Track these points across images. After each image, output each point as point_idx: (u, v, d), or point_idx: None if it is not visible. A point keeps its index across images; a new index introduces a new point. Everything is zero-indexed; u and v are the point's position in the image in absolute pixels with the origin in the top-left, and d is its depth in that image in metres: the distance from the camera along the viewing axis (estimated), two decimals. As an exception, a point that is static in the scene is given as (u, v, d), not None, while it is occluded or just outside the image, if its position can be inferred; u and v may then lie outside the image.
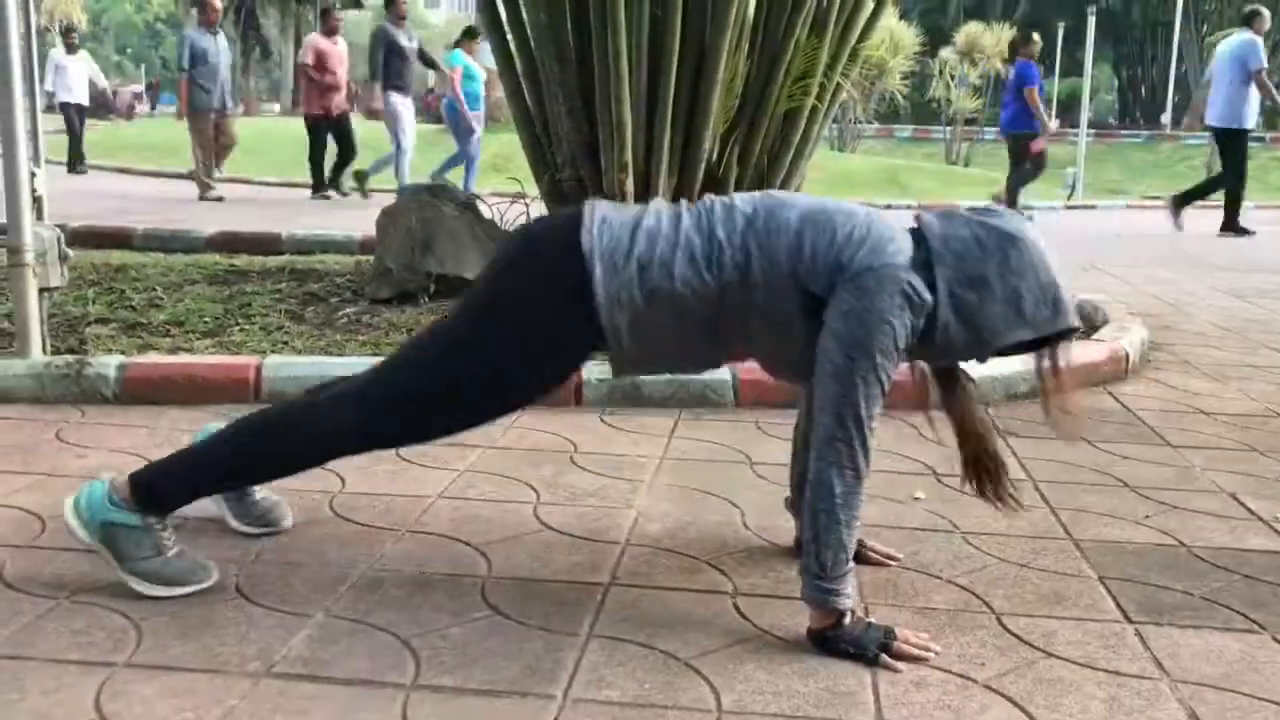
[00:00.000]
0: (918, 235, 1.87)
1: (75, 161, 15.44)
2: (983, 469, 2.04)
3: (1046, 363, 1.96)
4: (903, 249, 1.81)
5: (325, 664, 1.71)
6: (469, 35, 11.83)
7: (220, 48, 11.09)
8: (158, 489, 1.96)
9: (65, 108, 15.18)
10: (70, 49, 15.59)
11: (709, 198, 1.96)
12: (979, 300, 1.80)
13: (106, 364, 3.27)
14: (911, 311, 1.78)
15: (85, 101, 15.54)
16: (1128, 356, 4.04)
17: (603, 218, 1.90)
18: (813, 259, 1.80)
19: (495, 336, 1.90)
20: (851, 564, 1.82)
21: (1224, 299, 6.15)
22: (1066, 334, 1.91)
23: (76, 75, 15.23)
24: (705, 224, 1.87)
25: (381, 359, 2.05)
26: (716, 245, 1.84)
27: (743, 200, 1.91)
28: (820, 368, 1.79)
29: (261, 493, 2.29)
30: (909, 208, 14.69)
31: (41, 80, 14.86)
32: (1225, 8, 34.57)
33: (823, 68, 4.75)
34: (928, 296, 1.79)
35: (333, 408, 1.98)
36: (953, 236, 1.83)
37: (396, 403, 1.94)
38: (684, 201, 1.97)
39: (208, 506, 2.24)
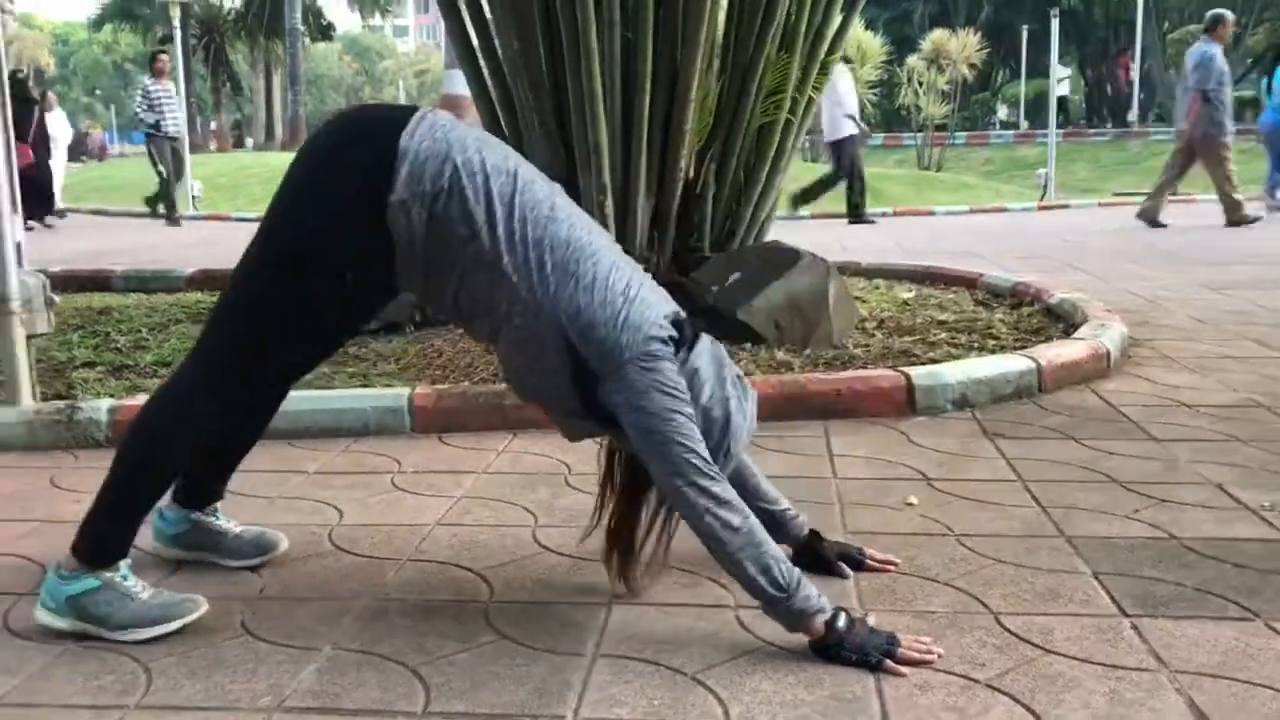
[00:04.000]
0: (680, 324, 1.96)
1: None
2: (620, 543, 2.10)
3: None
4: (663, 314, 1.93)
5: (336, 696, 1.72)
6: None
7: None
8: (95, 541, 1.98)
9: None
10: None
11: (552, 192, 1.98)
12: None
13: (98, 407, 3.28)
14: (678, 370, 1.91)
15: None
16: (1109, 353, 4.09)
17: (431, 126, 1.91)
18: (589, 327, 1.87)
19: (294, 221, 1.94)
20: (794, 571, 1.85)
21: (1200, 292, 6.22)
22: None
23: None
24: (521, 203, 1.90)
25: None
26: (514, 229, 1.88)
27: (565, 220, 1.94)
28: (641, 440, 1.88)
29: (240, 526, 2.31)
30: (884, 214, 14.79)
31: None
32: (1187, 4, 34.90)
33: (794, 82, 4.82)
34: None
35: (179, 375, 2.04)
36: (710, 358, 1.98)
37: (228, 333, 1.99)
38: (539, 175, 2.00)
39: (180, 554, 2.28)
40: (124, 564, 2.00)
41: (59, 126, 15.46)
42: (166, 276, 6.81)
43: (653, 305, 1.93)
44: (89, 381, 3.85)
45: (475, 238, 1.87)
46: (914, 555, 2.30)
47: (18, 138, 13.75)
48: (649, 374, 1.86)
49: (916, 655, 1.80)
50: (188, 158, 15.97)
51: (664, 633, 1.94)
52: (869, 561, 2.22)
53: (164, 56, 14.76)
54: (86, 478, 2.92)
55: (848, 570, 2.18)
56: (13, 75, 14.92)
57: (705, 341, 2.00)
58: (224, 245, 10.20)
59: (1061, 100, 28.56)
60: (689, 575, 2.19)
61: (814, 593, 1.84)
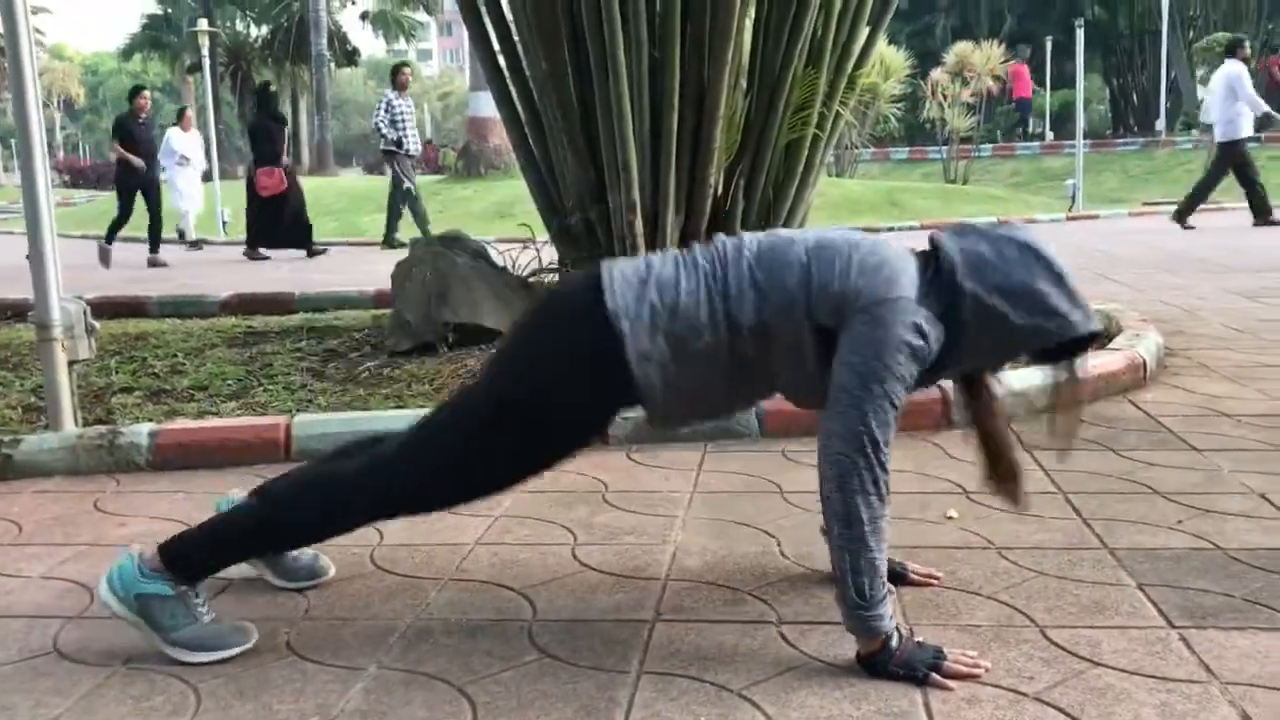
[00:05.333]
0: (930, 255, 1.90)
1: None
2: (1003, 473, 2.08)
3: (1065, 374, 1.97)
4: (913, 277, 1.86)
5: (383, 715, 1.73)
6: None
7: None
8: (188, 559, 1.99)
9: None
10: None
11: (720, 239, 1.99)
12: (1006, 309, 1.83)
13: (138, 432, 3.31)
14: (924, 341, 1.82)
15: None
16: (1145, 363, 4.06)
17: (620, 275, 1.94)
18: (822, 291, 1.84)
19: (531, 403, 1.93)
20: (889, 586, 1.84)
21: (1235, 300, 6.17)
22: (1088, 341, 1.91)
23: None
24: (718, 268, 1.91)
25: (413, 427, 2.06)
26: (730, 289, 1.88)
27: (750, 239, 1.95)
28: (835, 396, 1.83)
29: (296, 550, 2.32)
30: (911, 229, 14.74)
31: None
32: (1210, 12, 34.69)
33: (821, 97, 4.83)
34: (933, 331, 1.83)
35: (363, 477, 2.01)
36: (971, 251, 1.87)
37: (432, 471, 1.98)
38: (696, 246, 2.00)
39: (244, 568, 2.28)
40: (200, 584, 2.01)
41: (193, 148, 14.21)
42: (200, 302, 6.88)
43: (908, 269, 1.88)
44: (128, 406, 3.89)
45: (701, 336, 1.87)
46: (956, 569, 2.29)
47: (271, 159, 11.99)
48: (878, 327, 1.80)
49: (964, 669, 1.79)
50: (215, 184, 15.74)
51: (708, 649, 1.93)
52: (912, 575, 2.21)
53: (407, 69, 13.08)
54: (129, 502, 2.95)
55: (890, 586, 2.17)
56: (262, 88, 13.43)
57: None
58: (255, 271, 10.29)
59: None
60: (730, 591, 2.19)
61: (888, 613, 1.81)
